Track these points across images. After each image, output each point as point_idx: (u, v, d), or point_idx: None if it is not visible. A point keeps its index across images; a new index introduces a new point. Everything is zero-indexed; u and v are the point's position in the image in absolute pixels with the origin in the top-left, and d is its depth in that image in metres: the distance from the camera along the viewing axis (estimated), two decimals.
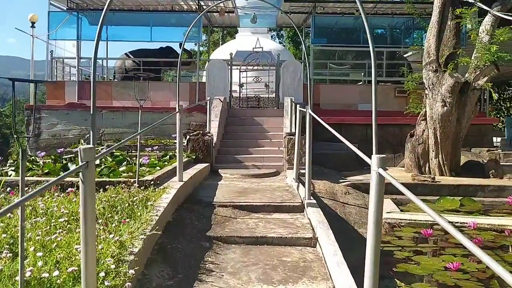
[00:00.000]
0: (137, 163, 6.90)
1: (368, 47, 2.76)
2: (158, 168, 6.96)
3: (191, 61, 13.87)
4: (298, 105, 7.10)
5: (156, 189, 5.14)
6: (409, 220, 6.63)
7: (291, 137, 8.73)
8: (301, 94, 12.05)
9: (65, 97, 12.17)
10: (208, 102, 9.10)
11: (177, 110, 6.12)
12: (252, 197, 6.02)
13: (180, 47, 14.16)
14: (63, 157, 8.40)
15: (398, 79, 12.84)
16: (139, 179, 5.31)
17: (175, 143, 11.05)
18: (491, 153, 10.88)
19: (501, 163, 9.81)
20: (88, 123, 11.83)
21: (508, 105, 18.37)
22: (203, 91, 12.23)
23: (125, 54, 14.05)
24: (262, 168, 8.91)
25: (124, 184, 5.19)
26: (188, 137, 8.82)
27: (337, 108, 12.23)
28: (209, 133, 8.92)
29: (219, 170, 8.58)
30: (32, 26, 12.22)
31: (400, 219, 6.66)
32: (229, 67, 12.34)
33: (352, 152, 11.06)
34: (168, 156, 8.89)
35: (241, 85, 12.82)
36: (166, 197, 4.77)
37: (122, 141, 4.36)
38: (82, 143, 11.28)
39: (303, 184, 7.15)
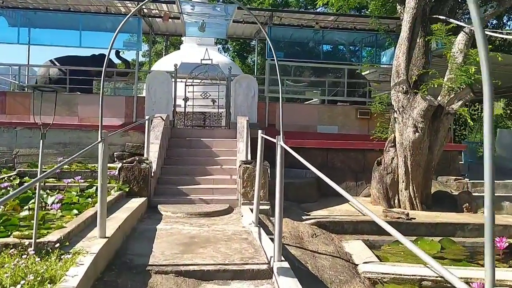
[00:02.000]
0: (44, 205, 5.27)
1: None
2: (75, 211, 5.33)
3: (129, 71, 12.23)
4: (260, 131, 5.81)
5: (63, 257, 3.58)
6: (393, 274, 5.51)
7: (247, 166, 7.41)
8: (255, 113, 10.83)
9: None
10: (147, 121, 7.60)
11: (99, 138, 4.52)
12: (202, 254, 4.60)
13: (117, 55, 12.52)
14: None
15: (360, 99, 12.00)
16: (38, 241, 3.73)
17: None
18: (459, 183, 10.21)
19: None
20: (0, 142, 9.82)
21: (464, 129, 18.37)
22: (142, 106, 10.64)
23: (50, 61, 12.13)
24: (212, 202, 7.49)
25: (14, 249, 3.59)
26: (120, 165, 7.22)
27: (294, 129, 11.12)
28: (147, 159, 7.39)
29: (159, 206, 7.07)
30: None
31: (383, 274, 5.52)
32: (173, 80, 10.87)
33: (313, 180, 9.74)
34: (94, 188, 7.23)
35: (186, 99, 11.37)
36: (75, 273, 3.24)
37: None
38: None
39: (264, 228, 5.84)
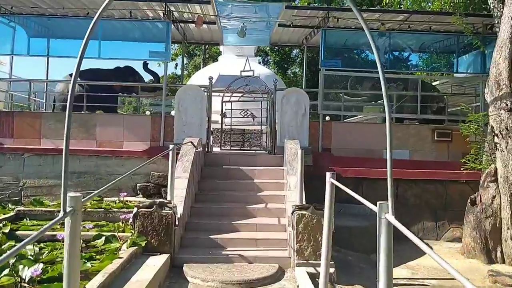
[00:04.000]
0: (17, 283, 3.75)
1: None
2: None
3: (158, 86, 10.75)
4: (329, 175, 4.00)
5: None
6: None
7: (303, 213, 5.58)
8: (306, 134, 9.02)
9: None
10: (171, 152, 5.94)
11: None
12: None
13: (145, 68, 11.10)
14: None
15: (437, 116, 9.91)
16: None
17: (124, 206, 7.79)
18: None
19: None
20: (5, 172, 8.51)
21: None
22: (172, 127, 9.08)
23: (70, 75, 10.82)
24: (255, 261, 5.68)
25: None
26: (135, 210, 5.57)
27: (353, 154, 9.19)
28: (170, 203, 5.69)
29: (186, 269, 5.36)
30: None
31: None
32: (208, 94, 9.25)
33: None
34: (102, 239, 5.64)
35: (223, 115, 9.75)
36: None
37: None
38: None
39: None
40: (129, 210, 7.08)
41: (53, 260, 4.75)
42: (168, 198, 5.96)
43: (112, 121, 9.18)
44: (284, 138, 8.92)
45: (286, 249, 6.01)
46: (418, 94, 9.54)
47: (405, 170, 8.61)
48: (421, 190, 8.68)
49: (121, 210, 7.13)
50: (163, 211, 5.60)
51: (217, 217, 6.86)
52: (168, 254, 5.45)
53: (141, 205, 5.68)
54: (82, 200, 2.53)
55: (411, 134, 9.44)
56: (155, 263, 5.05)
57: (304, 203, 6.10)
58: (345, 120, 11.66)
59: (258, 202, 7.35)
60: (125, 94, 11.31)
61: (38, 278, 3.92)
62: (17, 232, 5.84)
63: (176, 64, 31.82)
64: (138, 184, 8.66)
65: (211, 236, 6.19)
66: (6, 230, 5.75)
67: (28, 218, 6.94)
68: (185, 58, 36.37)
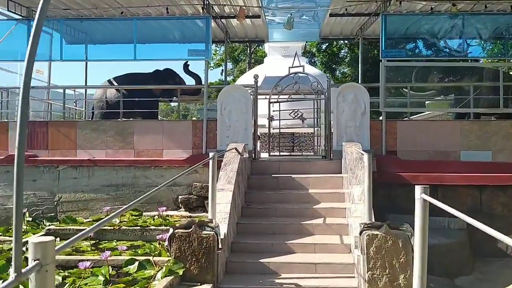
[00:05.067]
0: None
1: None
2: None
3: (200, 88, 10.02)
4: (419, 191, 2.96)
5: None
6: None
7: (375, 233, 4.52)
8: (367, 135, 7.92)
9: (8, 145, 8.43)
10: (211, 161, 5.07)
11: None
12: None
13: (185, 69, 10.41)
14: None
15: None
16: None
17: (163, 223, 7.02)
18: None
19: None
20: (39, 186, 8.02)
21: None
22: (214, 132, 8.27)
23: (108, 81, 10.34)
24: None
25: None
26: (171, 231, 4.74)
27: (424, 157, 7.98)
28: (212, 222, 4.82)
29: None
30: None
31: None
32: (253, 95, 8.37)
33: (463, 237, 6.99)
34: (135, 265, 4.86)
35: (271, 119, 8.87)
36: None
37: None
38: (25, 218, 7.45)
39: None
40: (168, 228, 6.31)
41: None
42: (209, 215, 5.09)
43: (151, 128, 8.50)
44: (341, 140, 7.87)
45: (353, 277, 4.97)
46: (500, 84, 8.16)
47: (489, 175, 7.30)
48: (509, 199, 7.32)
49: (159, 228, 6.36)
50: (204, 232, 4.73)
51: (267, 236, 5.93)
52: (211, 284, 4.57)
53: (177, 225, 4.85)
54: (57, 248, 1.67)
55: (493, 131, 8.07)
56: None
57: (373, 219, 5.04)
58: (411, 118, 10.39)
59: (314, 217, 6.36)
60: (165, 98, 10.66)
61: None
62: None
63: (222, 70, 31.37)
64: (179, 196, 7.90)
65: (262, 260, 5.26)
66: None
67: (59, 238, 6.34)
68: (230, 63, 36.01)
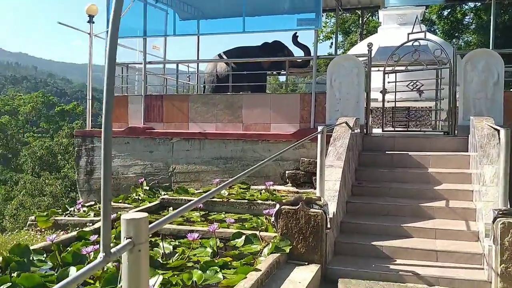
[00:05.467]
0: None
1: None
2: None
3: (309, 59, 9.65)
4: None
5: None
6: None
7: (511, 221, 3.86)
8: (499, 109, 6.93)
9: (128, 118, 9.00)
10: (319, 136, 4.76)
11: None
12: None
13: (294, 41, 10.11)
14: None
15: None
16: None
17: (270, 197, 6.93)
18: None
19: None
20: (155, 157, 8.46)
21: None
22: (323, 106, 7.90)
23: (218, 55, 10.47)
24: (437, 283, 4.21)
25: None
26: (278, 207, 4.57)
27: None
28: (320, 200, 4.55)
29: (341, 286, 4.18)
30: (90, 21, 9.40)
31: None
32: (366, 66, 7.80)
33: None
34: (242, 238, 4.82)
35: (384, 92, 8.23)
36: None
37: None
38: (143, 187, 7.93)
39: None
40: (274, 203, 6.20)
41: (182, 266, 4.06)
42: (317, 192, 4.82)
43: (258, 101, 8.42)
44: (468, 115, 7.00)
45: (482, 269, 4.37)
46: None
47: None
48: None
49: (266, 202, 6.29)
50: (311, 210, 4.48)
51: (380, 217, 5.50)
52: (319, 265, 4.33)
53: (284, 201, 4.68)
54: (151, 226, 1.53)
55: None
56: (301, 278, 3.99)
57: (508, 205, 4.34)
58: None
59: (435, 198, 5.75)
60: (273, 71, 10.50)
61: None
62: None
63: (332, 43, 30.39)
64: (286, 171, 7.76)
65: (374, 243, 4.87)
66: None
67: (172, 207, 6.61)
68: (340, 36, 34.65)
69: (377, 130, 9.00)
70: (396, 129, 8.45)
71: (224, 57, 10.18)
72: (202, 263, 4.05)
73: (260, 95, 8.69)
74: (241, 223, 5.64)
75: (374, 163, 6.84)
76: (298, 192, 7.46)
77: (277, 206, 4.64)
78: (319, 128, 4.83)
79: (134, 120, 8.92)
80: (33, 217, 7.12)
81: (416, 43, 7.92)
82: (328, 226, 4.55)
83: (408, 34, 8.10)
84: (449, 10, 27.37)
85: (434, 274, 4.28)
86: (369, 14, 30.98)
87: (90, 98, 9.49)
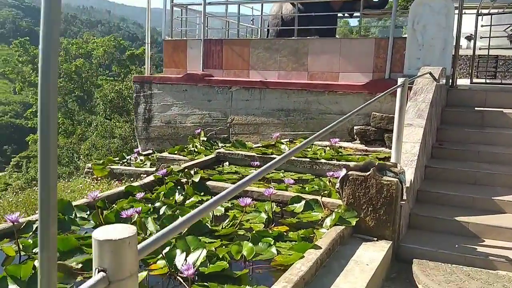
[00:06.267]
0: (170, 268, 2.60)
1: None
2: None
3: None
4: None
5: None
6: None
7: None
8: None
9: (186, 64, 8.54)
10: (399, 89, 3.95)
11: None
12: None
13: None
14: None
15: None
16: None
17: (335, 157, 6.27)
18: None
19: None
20: (214, 106, 8.03)
21: None
22: (402, 53, 6.93)
23: None
24: None
25: None
26: (344, 172, 3.94)
27: None
28: (396, 166, 3.85)
29: (416, 268, 3.60)
30: None
31: None
32: (458, 10, 6.66)
33: None
34: (302, 203, 4.32)
35: (471, 38, 7.08)
36: None
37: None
38: (200, 138, 7.61)
39: None
40: (340, 165, 5.56)
41: (232, 235, 3.63)
42: (393, 157, 4.11)
43: (326, 47, 7.57)
44: None
45: None
46: None
47: None
48: None
49: (330, 162, 5.66)
50: (384, 177, 3.81)
51: (465, 186, 4.71)
52: (390, 242, 3.71)
53: (352, 165, 4.02)
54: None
55: None
56: (369, 258, 3.41)
57: None
58: None
59: None
60: (345, 12, 9.47)
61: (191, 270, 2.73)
62: (208, 183, 4.99)
63: None
64: (355, 127, 7.01)
65: (457, 218, 4.14)
66: (197, 179, 4.95)
67: (228, 162, 6.19)
68: None
69: (461, 81, 7.91)
70: (487, 81, 7.32)
71: None
72: (254, 232, 3.59)
73: (328, 40, 7.82)
74: (301, 185, 5.10)
75: (459, 121, 5.91)
76: (367, 150, 6.75)
77: (344, 171, 4.00)
78: (399, 81, 4.03)
79: (193, 66, 8.45)
80: (89, 165, 7.05)
81: None
82: (404, 197, 3.87)
83: None
84: None
85: None
86: None
87: (149, 42, 9.10)
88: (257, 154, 6.11)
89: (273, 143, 6.95)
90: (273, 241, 3.47)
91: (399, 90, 4.01)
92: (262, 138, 7.57)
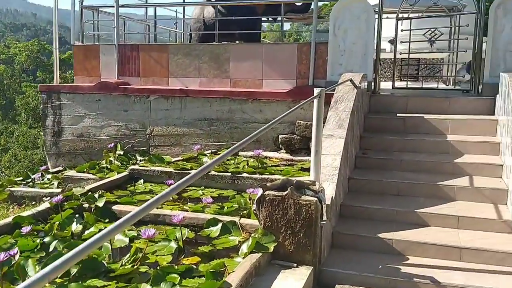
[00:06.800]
0: None
1: None
2: None
3: (310, 2, 8.34)
4: None
5: None
6: None
7: None
8: None
9: (100, 71, 7.85)
10: (316, 101, 3.62)
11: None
12: None
13: None
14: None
15: None
16: None
17: (257, 170, 5.92)
18: None
19: None
20: (131, 117, 7.42)
21: None
22: (325, 58, 6.74)
23: None
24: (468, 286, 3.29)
25: None
26: (261, 192, 3.57)
27: None
28: (314, 184, 3.53)
29: None
30: None
31: None
32: (377, 15, 6.58)
33: None
34: (218, 227, 3.92)
35: (393, 42, 7.09)
36: None
37: None
38: (116, 152, 6.97)
39: None
40: (263, 177, 5.23)
41: (132, 274, 3.13)
42: (312, 174, 3.80)
43: (249, 53, 7.23)
44: (498, 70, 5.87)
45: None
46: None
47: None
48: None
49: (253, 176, 5.30)
50: (303, 197, 3.49)
51: (389, 198, 4.53)
52: (311, 268, 3.39)
53: (268, 184, 3.67)
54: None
55: None
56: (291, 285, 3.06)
57: None
58: None
59: (456, 174, 4.77)
60: (269, 17, 9.20)
61: None
62: (115, 207, 4.43)
63: None
64: (280, 136, 6.73)
65: (381, 235, 3.92)
66: (101, 204, 4.37)
67: (143, 180, 5.65)
68: None
69: (384, 85, 7.91)
70: (409, 85, 7.31)
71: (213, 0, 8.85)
72: (158, 268, 3.12)
73: (250, 46, 7.49)
74: (220, 204, 4.69)
75: (382, 128, 5.79)
76: (293, 160, 6.48)
77: (260, 191, 3.63)
78: (315, 91, 3.74)
79: (108, 74, 7.77)
80: None
81: None
82: (324, 217, 3.56)
83: None
84: None
85: (457, 283, 3.33)
86: None
87: (57, 47, 8.28)
88: (175, 169, 5.62)
89: (195, 155, 6.49)
90: (179, 278, 3.02)
91: (315, 101, 3.71)
92: (185, 150, 7.09)
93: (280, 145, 6.74)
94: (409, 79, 7.85)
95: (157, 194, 4.80)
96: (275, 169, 5.80)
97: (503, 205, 4.24)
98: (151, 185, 5.49)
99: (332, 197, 3.88)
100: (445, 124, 5.57)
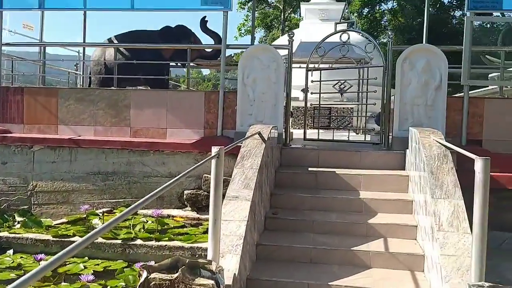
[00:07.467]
0: None
1: None
2: None
3: (218, 49, 8.00)
4: None
5: None
6: None
7: None
8: (441, 118, 5.80)
9: None
10: (214, 161, 3.11)
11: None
12: None
13: (203, 27, 8.44)
14: None
15: None
16: None
17: (159, 229, 5.15)
18: None
19: None
20: (10, 170, 6.35)
21: None
22: (234, 108, 6.30)
23: (108, 40, 8.45)
24: None
25: None
26: (144, 276, 2.86)
27: None
28: (210, 263, 2.93)
29: None
30: None
31: None
32: (286, 60, 6.35)
33: None
34: None
35: (305, 91, 6.91)
36: None
37: None
38: None
39: None
40: (160, 244, 4.50)
41: None
42: (210, 250, 3.19)
43: (152, 99, 6.61)
44: (406, 124, 5.82)
45: None
46: None
47: None
48: None
49: (148, 243, 4.55)
50: (197, 280, 2.85)
51: (301, 267, 4.03)
52: None
53: (156, 265, 2.99)
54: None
55: None
56: None
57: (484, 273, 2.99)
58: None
59: (370, 237, 4.42)
60: (177, 62, 8.71)
61: None
62: None
63: (254, 38, 29.20)
64: (185, 191, 6.07)
65: None
66: None
67: (13, 250, 4.65)
68: (262, 30, 33.56)
69: (298, 133, 7.69)
70: (320, 136, 7.09)
71: (115, 41, 8.19)
72: None
73: (153, 92, 6.89)
74: (103, 281, 3.87)
75: (294, 183, 5.39)
76: (199, 218, 5.85)
77: (144, 274, 2.93)
78: (213, 150, 3.20)
79: None
80: None
81: (344, 36, 6.59)
82: None
83: (336, 23, 6.77)
84: (368, 9, 27.97)
85: None
86: (290, 10, 30.29)
87: None
88: (53, 237, 4.70)
89: (84, 216, 5.59)
90: None
91: (213, 162, 3.17)
92: (74, 208, 6.14)
93: (186, 202, 6.07)
94: (321, 127, 7.69)
95: (26, 271, 3.87)
96: (177, 231, 5.12)
97: (420, 272, 3.92)
98: (21, 257, 4.52)
99: (235, 274, 3.28)
100: (357, 180, 5.31)
